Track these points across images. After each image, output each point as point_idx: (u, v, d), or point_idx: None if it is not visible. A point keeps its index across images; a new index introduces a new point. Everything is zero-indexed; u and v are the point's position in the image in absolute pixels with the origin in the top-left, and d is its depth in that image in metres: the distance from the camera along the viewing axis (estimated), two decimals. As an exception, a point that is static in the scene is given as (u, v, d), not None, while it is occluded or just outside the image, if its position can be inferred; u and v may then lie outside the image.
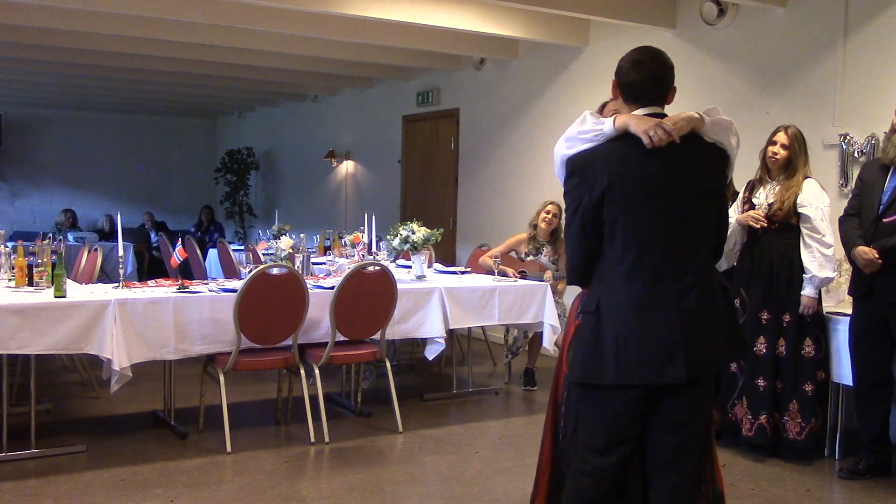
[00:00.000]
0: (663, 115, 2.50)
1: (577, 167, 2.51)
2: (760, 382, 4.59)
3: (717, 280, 2.57)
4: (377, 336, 5.11)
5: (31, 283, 4.73)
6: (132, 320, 4.45)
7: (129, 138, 14.94)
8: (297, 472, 4.42)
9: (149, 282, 5.09)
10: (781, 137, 4.63)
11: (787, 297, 4.55)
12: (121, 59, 8.86)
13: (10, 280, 4.90)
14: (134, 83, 10.86)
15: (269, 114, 13.73)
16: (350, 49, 8.30)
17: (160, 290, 4.74)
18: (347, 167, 11.53)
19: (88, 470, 4.28)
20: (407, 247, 5.75)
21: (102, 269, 6.94)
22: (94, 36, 7.77)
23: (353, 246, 6.72)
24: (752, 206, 4.67)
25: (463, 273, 6.39)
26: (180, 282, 5.01)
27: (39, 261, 4.80)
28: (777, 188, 4.62)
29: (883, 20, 5.25)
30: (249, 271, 4.72)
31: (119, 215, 5.44)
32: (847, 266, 4.59)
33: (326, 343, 4.88)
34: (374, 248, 6.45)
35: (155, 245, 12.28)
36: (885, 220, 4.21)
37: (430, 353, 5.44)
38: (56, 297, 4.38)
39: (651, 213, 2.44)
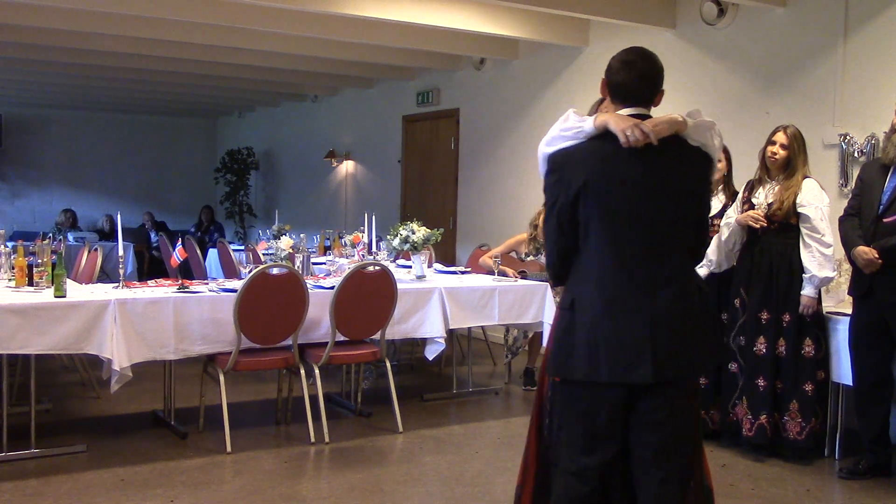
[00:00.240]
0: (647, 117, 2.51)
1: (557, 164, 2.53)
2: (760, 382, 4.58)
3: (695, 283, 2.57)
4: (377, 336, 5.11)
5: (31, 283, 4.73)
6: (132, 320, 4.45)
7: (129, 138, 14.94)
8: (297, 472, 4.42)
9: (149, 282, 5.08)
10: (780, 137, 4.62)
11: (787, 296, 4.55)
12: (121, 59, 8.86)
13: (10, 280, 4.90)
14: (134, 83, 10.86)
15: (269, 114, 13.73)
16: (350, 49, 8.30)
17: (160, 290, 4.74)
18: (347, 167, 11.53)
19: (88, 470, 4.28)
20: (407, 247, 5.75)
21: (102, 269, 6.94)
22: (94, 36, 7.77)
23: (353, 246, 6.73)
24: (752, 206, 4.66)
25: (463, 273, 6.39)
26: (180, 282, 5.00)
27: (39, 261, 4.79)
28: (776, 188, 4.61)
29: (883, 20, 5.25)
30: (249, 271, 4.72)
31: (119, 215, 5.44)
32: (847, 266, 4.59)
33: (326, 343, 4.88)
34: (374, 248, 6.45)
35: (155, 245, 12.28)
36: (885, 220, 4.20)
37: (430, 353, 5.45)
38: (56, 297, 4.38)
39: (626, 214, 2.45)
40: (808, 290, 4.50)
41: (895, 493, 4.19)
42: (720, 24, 6.22)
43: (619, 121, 2.45)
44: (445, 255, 8.67)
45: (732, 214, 4.76)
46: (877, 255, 4.16)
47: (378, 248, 6.32)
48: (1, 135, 13.71)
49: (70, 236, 10.72)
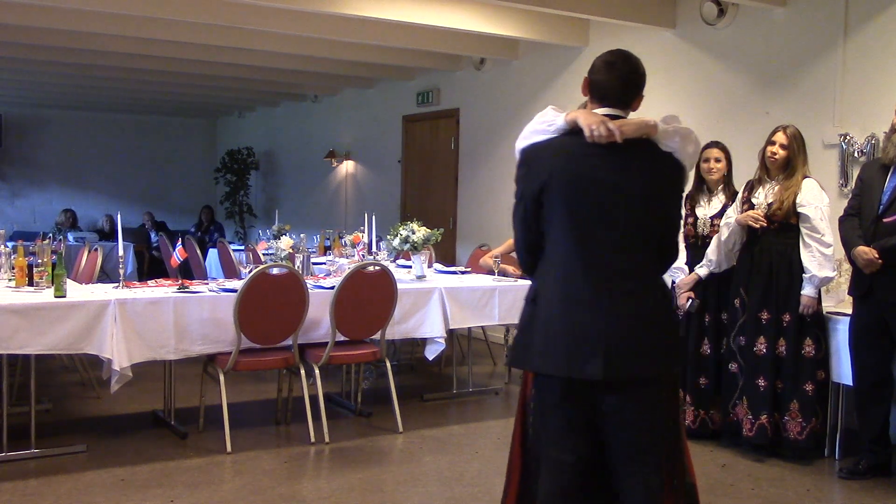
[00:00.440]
0: (622, 118, 2.51)
1: (527, 158, 2.58)
2: (761, 382, 4.58)
3: (658, 285, 2.57)
4: (377, 336, 5.11)
5: (31, 283, 4.73)
6: (132, 320, 4.45)
7: (129, 138, 14.93)
8: (297, 472, 4.42)
9: (149, 282, 5.09)
10: (780, 137, 4.62)
11: (787, 296, 4.55)
12: (121, 59, 8.86)
13: (10, 280, 4.90)
14: (134, 83, 10.85)
15: (269, 114, 13.73)
16: (350, 49, 8.30)
17: (160, 290, 4.74)
18: (347, 167, 11.53)
19: (88, 470, 4.28)
20: (407, 247, 5.75)
21: (102, 269, 6.94)
22: (94, 36, 7.77)
23: (353, 246, 6.72)
24: (752, 206, 4.66)
25: (463, 273, 6.40)
26: (180, 282, 5.01)
27: (39, 261, 4.79)
28: (776, 188, 4.62)
29: (883, 20, 5.25)
30: (249, 271, 4.73)
31: (119, 215, 5.45)
32: (847, 266, 4.59)
33: (326, 343, 4.88)
34: (374, 248, 6.45)
35: (155, 245, 12.27)
36: (885, 220, 4.21)
37: (430, 353, 5.45)
38: (56, 297, 4.38)
39: (588, 211, 2.46)
40: (808, 290, 4.50)
41: (895, 493, 4.20)
42: (720, 24, 6.22)
43: (587, 117, 2.46)
44: (445, 255, 8.67)
45: (732, 214, 4.76)
46: (877, 255, 4.16)
47: (378, 248, 6.32)
48: (1, 135, 13.71)
49: (70, 236, 10.72)
